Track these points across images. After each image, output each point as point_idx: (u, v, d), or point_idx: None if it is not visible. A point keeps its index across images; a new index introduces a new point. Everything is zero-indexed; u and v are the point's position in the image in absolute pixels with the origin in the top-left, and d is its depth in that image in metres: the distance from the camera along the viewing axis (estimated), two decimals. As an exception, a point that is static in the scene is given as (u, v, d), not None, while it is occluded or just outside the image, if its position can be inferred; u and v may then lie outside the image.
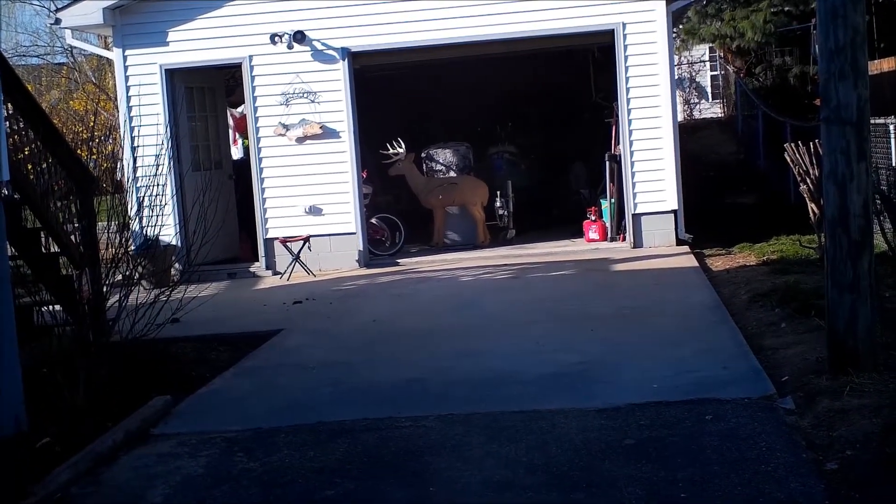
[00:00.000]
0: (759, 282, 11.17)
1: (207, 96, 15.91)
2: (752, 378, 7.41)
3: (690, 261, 13.14)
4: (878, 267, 8.04)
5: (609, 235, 15.11)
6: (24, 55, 31.39)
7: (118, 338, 8.59)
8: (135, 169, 13.35)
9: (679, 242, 14.22)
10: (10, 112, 9.08)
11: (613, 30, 14.30)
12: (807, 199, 12.02)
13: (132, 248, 10.33)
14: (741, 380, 7.37)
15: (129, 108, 14.68)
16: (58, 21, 15.23)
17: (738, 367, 7.76)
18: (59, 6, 17.85)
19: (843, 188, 7.26)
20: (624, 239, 14.70)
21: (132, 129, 14.49)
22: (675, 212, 14.26)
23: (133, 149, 14.18)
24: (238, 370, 9.10)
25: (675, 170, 14.23)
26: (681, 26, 22.70)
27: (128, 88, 14.80)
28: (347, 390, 8.10)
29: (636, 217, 14.40)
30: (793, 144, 12.07)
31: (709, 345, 8.59)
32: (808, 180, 11.79)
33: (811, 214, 11.88)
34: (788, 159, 12.22)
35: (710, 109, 30.15)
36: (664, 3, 14.18)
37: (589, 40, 15.16)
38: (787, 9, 20.53)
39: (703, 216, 15.38)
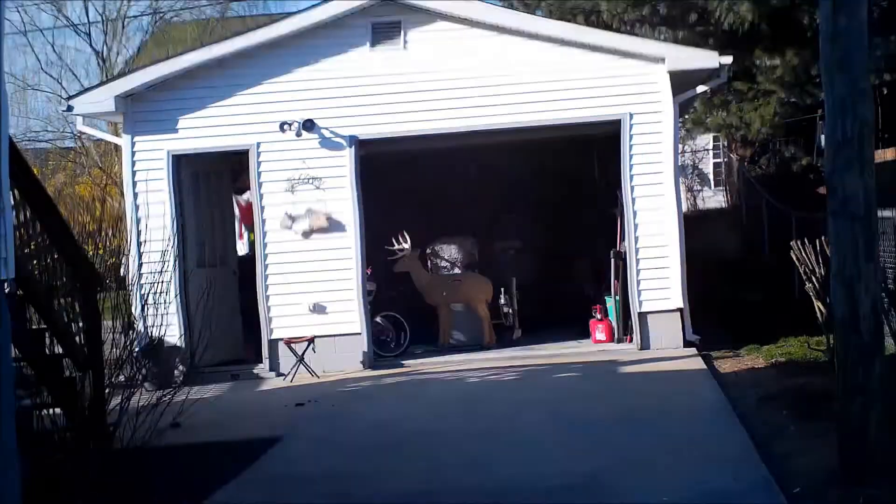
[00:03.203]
0: (768, 385, 11.05)
1: (213, 181, 15.89)
2: (763, 489, 7.24)
3: (698, 363, 13.01)
4: (890, 369, 7.92)
5: (616, 336, 14.97)
6: (33, 139, 31.78)
7: (119, 446, 8.43)
8: (140, 265, 13.37)
9: (686, 344, 14.05)
10: (18, 200, 8.84)
11: (620, 120, 14.36)
12: (813, 298, 11.94)
13: (136, 348, 10.26)
14: (752, 492, 7.21)
15: (136, 195, 14.68)
16: (70, 108, 15.41)
17: (749, 477, 7.59)
18: (72, 94, 18.12)
19: (851, 288, 7.20)
20: (631, 340, 14.55)
21: (138, 220, 14.50)
22: (681, 310, 14.15)
23: (139, 243, 14.21)
24: (240, 483, 8.81)
25: (681, 266, 14.15)
26: (686, 116, 22.84)
27: (134, 174, 14.82)
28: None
29: (642, 316, 14.30)
30: (798, 242, 12.03)
31: (718, 453, 8.44)
32: (814, 279, 11.74)
33: (818, 314, 11.79)
34: (794, 258, 12.17)
35: (714, 197, 30.12)
36: (670, 95, 14.27)
37: (596, 130, 15.19)
38: (792, 100, 20.73)
39: (708, 313, 15.26)
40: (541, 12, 22.12)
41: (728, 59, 14.10)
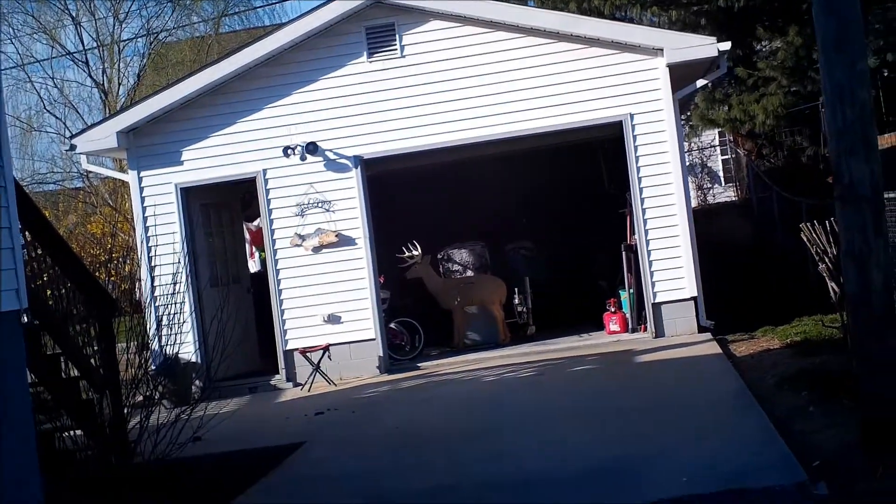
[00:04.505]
0: (785, 365, 11.05)
1: (224, 212, 16.05)
2: (783, 465, 7.26)
3: (713, 348, 13.02)
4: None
5: (630, 326, 15.02)
6: (41, 182, 31.88)
7: (140, 459, 8.51)
8: (153, 288, 13.46)
9: (701, 329, 14.09)
10: (29, 240, 9.15)
11: (622, 122, 14.38)
12: (826, 279, 11.91)
13: (152, 367, 10.32)
14: (772, 467, 7.23)
15: (146, 229, 14.77)
16: (73, 147, 15.46)
17: (769, 454, 7.61)
18: (74, 132, 18.16)
19: (862, 265, 7.22)
20: (645, 329, 14.60)
21: (149, 248, 14.58)
22: (694, 299, 14.17)
23: (151, 268, 14.28)
24: (263, 486, 8.94)
25: (692, 256, 14.19)
26: (689, 113, 22.82)
27: (144, 209, 14.92)
28: (378, 502, 7.95)
29: (656, 306, 14.32)
30: (808, 224, 12.00)
31: (737, 433, 8.47)
32: (827, 259, 11.69)
33: (832, 293, 11.76)
34: (805, 239, 12.14)
35: (724, 193, 30.15)
36: (670, 92, 14.28)
37: (598, 133, 15.23)
38: (794, 89, 20.61)
39: (723, 300, 15.27)
40: (532, 3, 22.11)
41: (726, 46, 14.08)
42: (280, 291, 14.84)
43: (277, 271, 14.87)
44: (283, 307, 14.82)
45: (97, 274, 10.98)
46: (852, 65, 7.30)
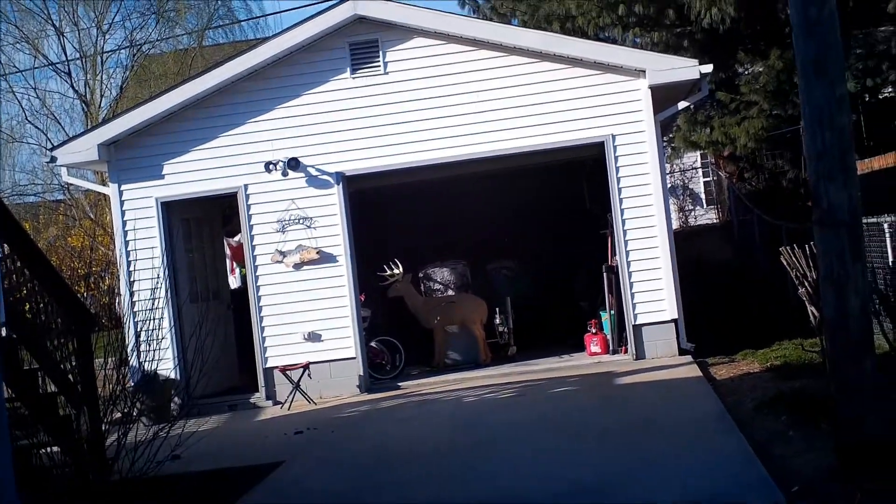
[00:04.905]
0: (765, 389, 11.08)
1: (204, 227, 16.00)
2: (761, 487, 7.29)
3: (694, 371, 13.04)
4: (881, 367, 7.95)
5: (611, 348, 15.02)
6: (21, 193, 31.72)
7: (118, 477, 8.46)
8: (132, 303, 13.40)
9: (681, 352, 14.11)
10: (6, 252, 9.10)
11: (603, 142, 14.42)
12: (806, 303, 11.96)
13: (130, 383, 10.27)
14: (750, 489, 7.26)
15: (126, 243, 14.73)
16: (53, 159, 15.37)
17: (747, 476, 7.64)
18: (55, 144, 18.07)
19: (840, 290, 7.24)
20: (626, 351, 14.61)
21: (129, 263, 14.53)
22: (675, 321, 14.19)
23: (130, 283, 14.22)
24: (246, 502, 8.89)
25: (673, 279, 14.21)
26: (671, 135, 22.89)
27: (124, 223, 14.86)
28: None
29: (637, 328, 14.33)
30: (788, 248, 12.05)
31: (716, 456, 8.48)
32: (806, 283, 11.74)
33: (812, 317, 11.81)
34: (785, 263, 12.19)
35: (706, 216, 30.25)
36: (652, 113, 14.33)
37: (580, 153, 15.26)
38: (775, 112, 20.70)
39: (703, 323, 15.31)
40: (516, 22, 22.12)
41: (708, 68, 14.14)
42: (260, 308, 14.79)
43: (258, 288, 14.83)
44: (263, 324, 14.77)
45: (76, 288, 10.93)
46: (832, 89, 7.34)
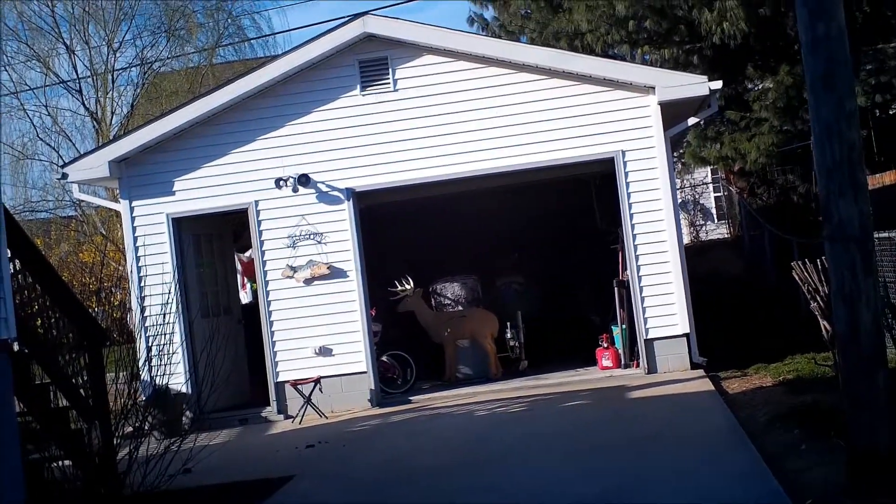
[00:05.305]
0: (777, 403, 11.05)
1: (215, 243, 16.04)
2: (774, 501, 7.26)
3: (706, 384, 13.01)
4: (894, 381, 7.92)
5: (622, 362, 15.01)
6: (33, 210, 31.77)
7: (129, 491, 8.47)
8: (143, 318, 13.43)
9: (693, 366, 14.09)
10: (18, 269, 9.14)
11: (613, 158, 14.43)
12: (818, 317, 11.92)
13: (142, 398, 10.30)
14: (763, 503, 7.20)
15: (137, 258, 14.78)
16: (64, 176, 15.43)
17: (760, 490, 7.61)
18: (67, 160, 18.14)
19: (851, 304, 7.22)
20: (638, 365, 14.59)
21: (140, 278, 14.57)
22: (687, 335, 14.18)
23: (141, 298, 14.26)
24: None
25: (685, 293, 14.21)
26: (681, 150, 22.90)
27: (135, 239, 14.91)
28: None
29: (648, 342, 14.32)
30: (800, 263, 12.01)
31: (729, 470, 8.45)
32: (818, 298, 11.70)
33: (824, 332, 11.77)
34: (797, 277, 12.16)
35: (717, 230, 30.23)
36: (661, 129, 14.34)
37: (590, 168, 15.28)
38: (785, 127, 20.70)
39: (715, 337, 15.29)
40: (524, 39, 22.15)
41: (717, 84, 14.17)
42: (271, 323, 14.81)
43: (269, 303, 14.85)
44: (274, 339, 14.79)
45: (88, 303, 10.97)
46: (841, 104, 7.33)
